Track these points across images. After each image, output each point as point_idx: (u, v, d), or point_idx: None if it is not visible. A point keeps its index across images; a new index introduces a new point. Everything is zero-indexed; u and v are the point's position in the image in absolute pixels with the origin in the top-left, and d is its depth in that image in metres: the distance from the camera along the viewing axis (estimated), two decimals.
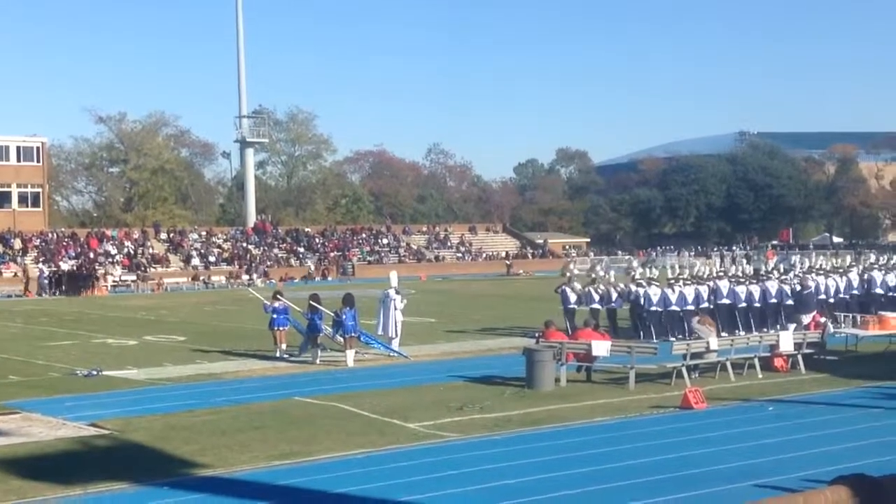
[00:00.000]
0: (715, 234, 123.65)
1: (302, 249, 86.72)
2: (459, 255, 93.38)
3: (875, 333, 27.34)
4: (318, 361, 26.21)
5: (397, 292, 28.27)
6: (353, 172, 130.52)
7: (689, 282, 31.96)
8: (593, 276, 34.40)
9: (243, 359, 27.35)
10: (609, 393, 21.07)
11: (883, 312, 29.63)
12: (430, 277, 75.03)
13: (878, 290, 34.12)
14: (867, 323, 28.05)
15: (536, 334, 26.25)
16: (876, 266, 37.49)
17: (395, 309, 27.88)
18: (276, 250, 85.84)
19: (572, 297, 32.01)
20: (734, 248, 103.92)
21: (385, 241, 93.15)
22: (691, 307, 30.51)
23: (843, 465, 12.73)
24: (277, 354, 27.26)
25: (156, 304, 51.35)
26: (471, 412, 18.88)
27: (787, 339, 23.84)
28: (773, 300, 31.76)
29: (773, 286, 32.26)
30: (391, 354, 27.13)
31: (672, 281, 32.12)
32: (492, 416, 18.49)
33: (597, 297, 32.02)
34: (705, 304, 30.97)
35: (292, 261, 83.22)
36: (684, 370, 21.91)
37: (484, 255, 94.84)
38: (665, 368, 22.32)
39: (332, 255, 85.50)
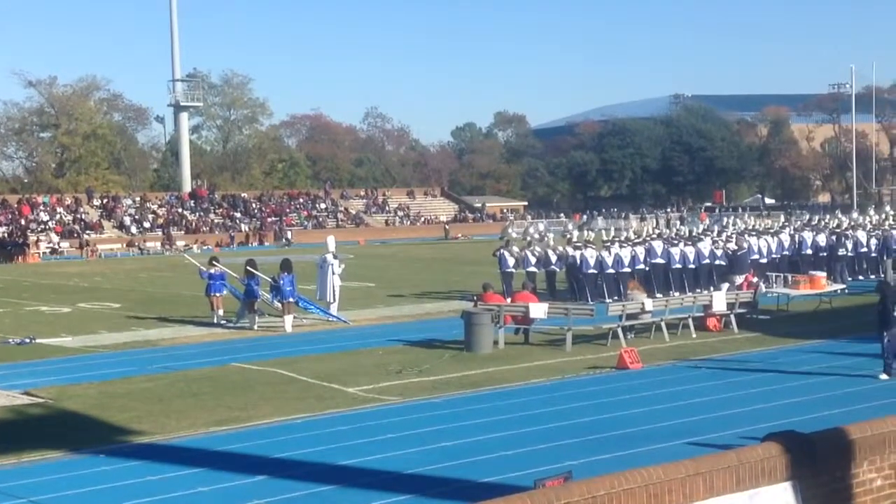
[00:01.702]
0: (650, 196, 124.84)
1: (238, 215, 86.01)
2: (398, 218, 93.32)
3: (806, 293, 27.86)
4: (255, 327, 26.08)
5: (335, 257, 28.18)
6: (289, 136, 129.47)
7: (624, 244, 32.23)
8: (528, 238, 34.57)
9: (180, 325, 27.13)
10: (546, 354, 21.23)
11: (813, 272, 30.17)
12: (369, 242, 74.87)
13: (808, 251, 34.74)
14: (798, 283, 28.54)
15: (474, 297, 26.36)
16: (807, 227, 38.20)
17: (333, 274, 27.80)
18: (212, 216, 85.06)
19: (510, 261, 32.13)
20: (668, 210, 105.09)
21: (323, 205, 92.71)
22: (627, 269, 30.80)
23: (774, 423, 12.97)
24: (214, 320, 27.12)
25: (90, 271, 50.68)
26: (410, 375, 18.94)
27: (720, 300, 24.15)
28: (706, 261, 32.17)
29: (705, 247, 32.66)
30: (330, 319, 27.09)
31: (608, 243, 32.39)
32: (431, 380, 18.55)
33: (533, 260, 32.18)
34: (641, 266, 31.28)
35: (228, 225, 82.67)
36: (620, 331, 22.14)
37: (422, 219, 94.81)
38: (601, 329, 22.54)
39: (269, 220, 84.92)
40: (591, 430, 14.44)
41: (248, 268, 26.77)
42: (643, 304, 23.29)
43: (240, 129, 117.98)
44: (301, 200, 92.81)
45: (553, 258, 32.33)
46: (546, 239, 36.06)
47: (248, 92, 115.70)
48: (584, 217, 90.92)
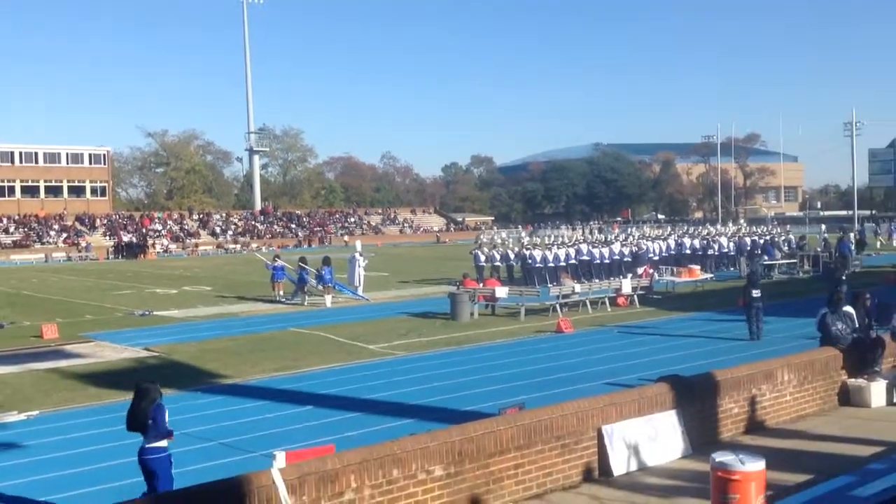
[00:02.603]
0: (578, 213, 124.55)
1: (294, 226, 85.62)
2: (404, 229, 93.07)
3: (686, 280, 27.89)
4: (305, 303, 26.05)
5: (360, 255, 28.02)
6: (329, 171, 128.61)
7: (560, 246, 32.27)
8: (493, 243, 34.60)
9: (252, 303, 27.01)
10: (507, 322, 21.24)
11: (691, 265, 30.20)
12: (385, 245, 74.74)
13: (687, 251, 34.85)
14: (681, 273, 28.57)
15: (457, 283, 26.36)
16: (686, 234, 38.20)
17: (360, 266, 27.69)
18: (275, 226, 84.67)
19: (481, 258, 32.20)
20: (591, 222, 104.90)
21: (352, 219, 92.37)
22: (563, 263, 30.85)
23: (664, 369, 13.00)
24: (277, 299, 27.02)
25: (190, 265, 50.45)
26: (413, 337, 18.93)
27: (627, 285, 24.17)
28: (616, 258, 32.31)
29: (616, 248, 32.78)
30: (356, 298, 27.06)
31: (549, 246, 32.40)
32: (427, 340, 18.55)
33: (498, 258, 32.23)
34: (572, 261, 31.28)
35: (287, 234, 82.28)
36: (558, 306, 22.14)
37: (421, 229, 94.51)
38: (545, 305, 22.55)
39: (315, 230, 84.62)
40: (538, 374, 14.46)
41: (300, 263, 26.75)
42: (574, 287, 23.28)
43: (294, 167, 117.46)
44: (337, 216, 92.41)
45: (511, 256, 32.38)
46: (507, 243, 36.11)
47: (300, 140, 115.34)
48: (532, 228, 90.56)
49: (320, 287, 26.38)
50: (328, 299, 25.85)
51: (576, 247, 32.26)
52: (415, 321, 21.66)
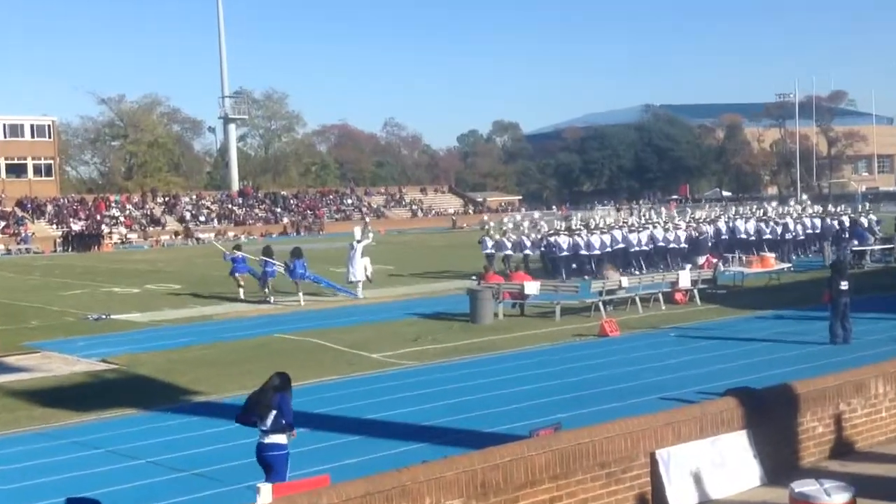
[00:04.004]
0: (625, 190, 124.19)
1: (279, 210, 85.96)
2: (413, 212, 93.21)
3: (758, 271, 27.78)
4: (272, 300, 26.44)
5: (358, 241, 27.99)
6: (320, 143, 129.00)
7: (594, 231, 32.19)
8: (506, 227, 34.71)
9: (231, 303, 27.15)
10: (539, 325, 21.24)
11: (764, 253, 30.07)
12: (388, 232, 74.85)
13: (742, 236, 34.66)
14: (751, 262, 28.48)
15: (477, 277, 26.35)
16: (739, 216, 37.99)
17: (358, 254, 27.58)
18: (256, 210, 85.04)
19: (489, 244, 32.45)
20: (641, 201, 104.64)
21: (349, 201, 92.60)
22: (597, 252, 30.86)
23: (732, 380, 12.95)
24: (241, 296, 27.38)
25: (154, 258, 50.77)
26: (425, 343, 18.96)
27: (685, 277, 24.12)
28: (662, 244, 32.27)
29: (659, 233, 32.75)
30: (345, 295, 27.27)
31: (577, 230, 32.33)
32: (442, 346, 18.58)
33: (509, 245, 32.35)
34: (607, 249, 31.11)
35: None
36: (601, 304, 22.12)
37: (433, 212, 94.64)
38: (585, 303, 22.53)
39: (305, 214, 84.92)
40: (577, 388, 14.46)
41: (264, 255, 27.04)
42: (620, 281, 23.26)
43: (279, 138, 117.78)
44: (331, 197, 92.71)
45: (527, 243, 32.45)
46: (521, 227, 36.27)
47: (285, 106, 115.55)
48: (567, 209, 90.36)
49: (295, 282, 26.60)
50: (301, 296, 26.13)
51: (611, 232, 32.20)
52: (426, 324, 21.69)
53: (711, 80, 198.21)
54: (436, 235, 68.67)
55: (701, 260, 28.17)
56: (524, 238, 32.81)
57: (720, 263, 27.79)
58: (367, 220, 74.21)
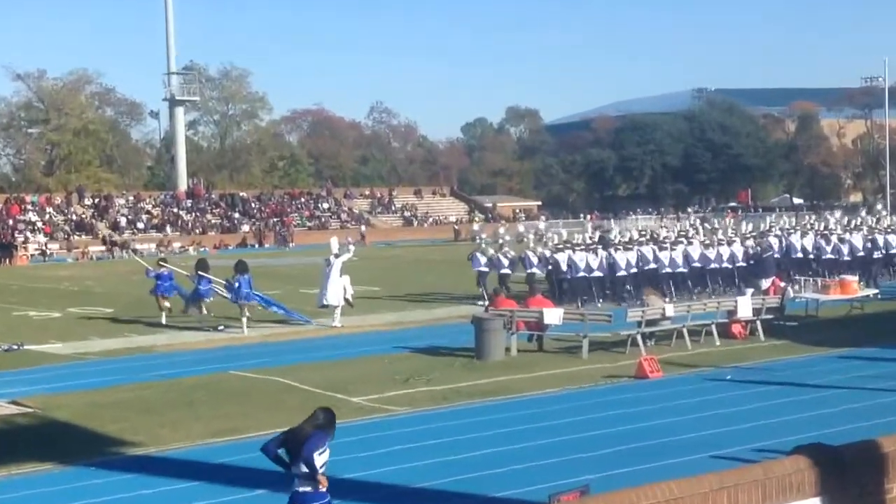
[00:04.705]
0: (671, 195, 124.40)
1: (237, 215, 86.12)
2: (405, 219, 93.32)
3: (836, 298, 27.72)
4: (221, 327, 26.81)
5: (335, 256, 28.05)
6: (290, 132, 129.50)
7: (619, 247, 32.27)
8: (500, 241, 34.85)
9: (174, 331, 27.15)
10: (561, 363, 21.19)
11: (844, 276, 30.06)
12: (374, 244, 74.87)
13: (798, 254, 34.67)
14: (828, 287, 28.44)
15: (485, 302, 26.33)
16: (796, 229, 38.08)
17: (335, 272, 27.61)
18: (209, 216, 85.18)
19: (481, 261, 32.65)
20: (689, 209, 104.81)
21: (325, 205, 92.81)
22: (623, 272, 30.92)
23: (802, 435, 12.89)
24: (163, 321, 27.77)
25: (80, 274, 50.76)
26: (418, 384, 18.92)
27: (745, 304, 24.10)
28: (728, 264, 32.33)
29: (727, 249, 32.83)
30: (292, 319, 27.69)
31: (593, 246, 32.40)
32: (440, 389, 18.54)
33: (506, 262, 32.37)
34: (637, 269, 31.24)
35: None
36: (639, 338, 22.09)
37: (430, 219, 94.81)
38: (619, 336, 22.48)
39: (269, 221, 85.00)
40: (608, 442, 14.42)
41: (198, 270, 27.32)
42: (663, 309, 23.20)
43: (238, 125, 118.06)
44: (302, 200, 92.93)
45: (533, 260, 32.50)
46: (526, 240, 36.39)
47: (246, 86, 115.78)
48: (597, 218, 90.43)
49: (239, 304, 26.75)
50: (245, 322, 26.37)
51: (638, 249, 32.30)
52: (420, 360, 21.66)
53: (780, 59, 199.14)
54: (433, 249, 68.71)
55: (766, 283, 28.17)
56: (529, 253, 32.89)
57: (789, 288, 27.78)
58: (360, 230, 74.40)
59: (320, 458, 8.88)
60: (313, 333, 26.49)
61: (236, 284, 26.36)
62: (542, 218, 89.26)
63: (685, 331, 22.95)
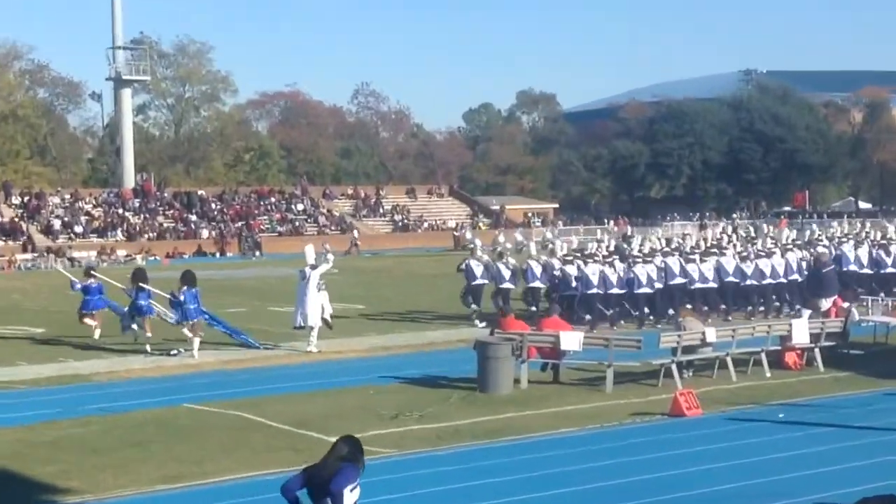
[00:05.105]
0: (713, 198, 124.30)
1: (194, 217, 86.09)
2: (395, 224, 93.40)
3: None
4: (149, 348, 27.05)
5: (312, 267, 27.98)
6: (258, 119, 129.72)
7: (645, 257, 32.36)
8: (499, 248, 34.93)
9: (118, 356, 27.11)
10: (581, 397, 21.18)
11: None
12: (360, 253, 74.83)
13: (851, 267, 34.83)
14: None
15: (489, 323, 26.28)
16: (846, 238, 38.12)
17: (314, 285, 27.59)
18: (160, 218, 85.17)
19: (477, 272, 32.82)
20: (735, 213, 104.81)
21: (300, 206, 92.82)
22: (645, 289, 30.98)
23: (869, 486, 12.91)
24: (95, 335, 28.32)
25: (7, 287, 50.69)
26: (408, 422, 18.92)
27: (801, 329, 24.10)
28: (783, 279, 32.40)
29: (782, 262, 32.89)
30: (241, 341, 27.85)
31: (608, 258, 32.49)
32: (435, 427, 18.54)
33: (507, 274, 32.40)
34: (673, 283, 31.39)
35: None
36: (674, 368, 22.08)
37: (425, 224, 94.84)
38: (651, 366, 22.47)
39: (234, 225, 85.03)
40: (635, 493, 14.41)
41: (135, 281, 27.57)
42: (703, 333, 23.16)
43: (196, 110, 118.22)
44: (273, 200, 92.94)
45: (536, 271, 32.56)
46: (527, 247, 36.43)
47: (207, 63, 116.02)
48: (626, 225, 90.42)
49: (183, 324, 26.86)
50: (196, 344, 26.39)
51: (664, 259, 32.50)
52: (412, 392, 21.67)
53: (844, 37, 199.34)
54: (429, 260, 68.60)
55: (826, 303, 28.14)
56: (532, 264, 33.03)
57: (854, 309, 27.75)
58: (352, 236, 74.40)
59: (352, 496, 9.00)
60: (284, 360, 26.46)
61: (182, 299, 26.43)
62: (554, 223, 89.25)
63: (729, 360, 22.94)
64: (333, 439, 17.48)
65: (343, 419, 19.08)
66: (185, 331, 26.84)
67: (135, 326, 27.68)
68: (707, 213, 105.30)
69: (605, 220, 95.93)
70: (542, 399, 20.93)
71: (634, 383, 22.12)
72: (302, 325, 27.68)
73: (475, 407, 20.19)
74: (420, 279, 52.31)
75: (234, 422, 19.15)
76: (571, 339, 22.61)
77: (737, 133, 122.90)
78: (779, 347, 23.89)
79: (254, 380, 23.58)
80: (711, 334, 23.19)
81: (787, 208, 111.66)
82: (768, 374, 23.02)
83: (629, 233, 42.74)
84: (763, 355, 23.47)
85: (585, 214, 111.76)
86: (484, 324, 30.01)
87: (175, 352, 26.98)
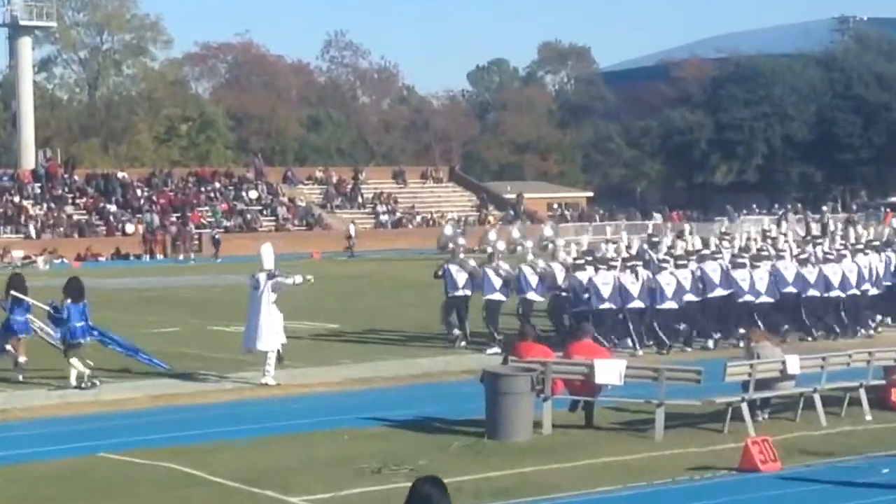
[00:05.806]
0: (796, 185, 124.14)
1: (114, 208, 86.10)
2: (378, 218, 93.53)
3: None
4: (21, 378, 27.39)
5: (271, 275, 27.93)
6: (199, 79, 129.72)
7: (679, 261, 32.49)
8: (489, 249, 34.97)
9: (14, 388, 27.15)
10: (623, 446, 21.19)
11: None
12: (329, 255, 74.88)
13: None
14: None
15: (501, 347, 26.32)
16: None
17: (269, 296, 27.62)
18: (69, 208, 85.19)
19: (459, 281, 33.08)
20: (827, 205, 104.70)
21: (254, 194, 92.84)
22: (670, 303, 31.05)
23: None
24: None
25: None
26: (395, 477, 18.92)
27: None
28: (815, 291, 32.75)
29: (836, 269, 33.08)
30: (143, 362, 28.17)
31: (631, 262, 32.61)
32: None
33: (498, 283, 32.43)
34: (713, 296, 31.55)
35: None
36: (745, 408, 22.09)
37: (418, 217, 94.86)
38: (714, 405, 22.46)
39: (166, 217, 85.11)
40: None
41: (10, 290, 27.80)
42: (783, 363, 23.15)
43: (117, 67, 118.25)
44: (218, 185, 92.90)
45: (533, 281, 32.82)
46: (524, 246, 36.55)
47: (131, 6, 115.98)
48: (685, 219, 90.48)
49: (58, 342, 27.18)
50: (76, 367, 26.58)
51: (700, 265, 32.83)
52: (399, 439, 21.75)
53: None
54: (421, 264, 68.51)
55: None
56: (525, 269, 33.29)
57: None
58: (347, 232, 74.42)
59: None
60: (231, 395, 26.47)
61: (65, 313, 26.65)
62: (591, 216, 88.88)
63: (817, 398, 22.94)
64: (297, 501, 17.72)
65: (309, 473, 19.12)
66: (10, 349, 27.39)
67: (9, 347, 27.76)
68: (788, 205, 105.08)
69: (654, 213, 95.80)
70: (571, 448, 20.95)
71: (692, 428, 22.15)
72: (256, 349, 27.66)
73: (483, 458, 20.21)
74: (410, 289, 52.34)
75: (166, 476, 19.14)
76: (609, 370, 22.54)
77: (828, 100, 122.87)
78: (882, 382, 23.87)
79: (192, 421, 23.58)
80: (794, 364, 23.12)
81: (893, 198, 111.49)
82: (868, 417, 23.03)
83: (688, 230, 42.55)
84: (862, 391, 23.47)
85: (630, 206, 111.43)
86: (495, 348, 30.06)
87: (87, 384, 26.95)
